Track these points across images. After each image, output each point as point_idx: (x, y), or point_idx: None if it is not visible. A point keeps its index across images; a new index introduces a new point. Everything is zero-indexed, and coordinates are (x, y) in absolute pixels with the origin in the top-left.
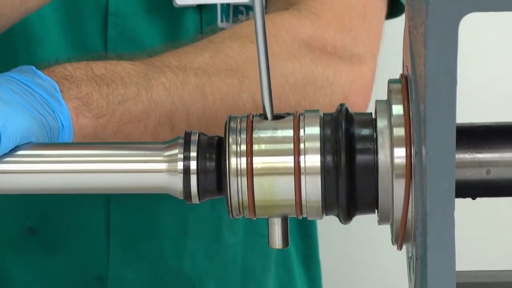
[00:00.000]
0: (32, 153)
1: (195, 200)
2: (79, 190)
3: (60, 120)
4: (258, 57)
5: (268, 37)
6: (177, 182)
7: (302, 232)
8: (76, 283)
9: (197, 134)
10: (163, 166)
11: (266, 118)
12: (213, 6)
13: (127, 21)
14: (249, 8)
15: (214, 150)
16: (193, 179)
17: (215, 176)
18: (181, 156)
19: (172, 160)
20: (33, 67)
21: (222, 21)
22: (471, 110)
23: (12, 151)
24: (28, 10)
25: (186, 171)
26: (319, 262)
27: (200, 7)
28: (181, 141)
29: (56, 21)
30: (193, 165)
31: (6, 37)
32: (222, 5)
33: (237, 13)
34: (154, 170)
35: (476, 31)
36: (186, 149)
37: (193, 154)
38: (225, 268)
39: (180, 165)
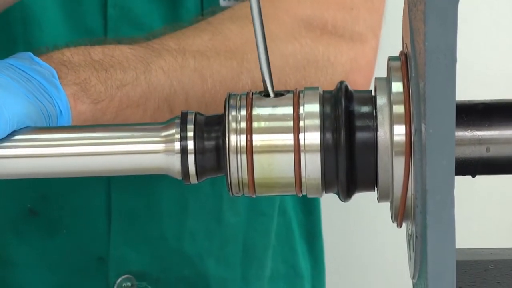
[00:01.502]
0: (29, 137)
1: (193, 179)
2: (78, 173)
3: (58, 106)
4: (255, 33)
5: (267, 18)
6: (174, 162)
7: (305, 209)
8: (77, 264)
9: (194, 114)
10: (161, 146)
11: (266, 95)
12: None
13: (126, 0)
14: None
15: (211, 128)
16: (191, 158)
17: (213, 155)
18: (177, 136)
19: (169, 140)
20: (31, 54)
21: None
22: (470, 87)
23: (9, 136)
24: None
25: (184, 150)
26: (322, 239)
27: None
28: (178, 121)
29: (54, 1)
30: (190, 144)
31: (3, 18)
32: None
33: None
34: (152, 151)
35: (475, 8)
36: (183, 128)
37: (190, 133)
38: (226, 247)
39: (177, 145)
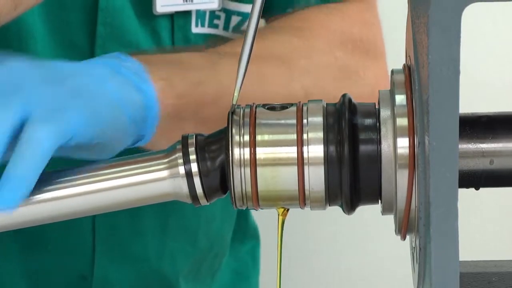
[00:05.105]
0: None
1: (203, 201)
2: (89, 211)
3: (148, 100)
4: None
5: (305, 32)
6: (182, 187)
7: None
8: (60, 280)
9: (194, 136)
10: (165, 173)
11: (269, 108)
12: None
13: (116, 18)
14: (229, 12)
15: (213, 148)
16: (197, 181)
17: (218, 174)
18: (181, 160)
19: (173, 165)
20: (119, 53)
21: (197, 26)
22: (474, 99)
23: None
24: (19, 12)
25: (189, 174)
26: (259, 237)
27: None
28: (179, 146)
29: (40, 13)
30: (194, 167)
31: None
32: (197, 10)
33: (213, 18)
34: (158, 179)
35: (479, 20)
36: (185, 152)
37: (192, 156)
38: (200, 267)
39: (181, 169)
